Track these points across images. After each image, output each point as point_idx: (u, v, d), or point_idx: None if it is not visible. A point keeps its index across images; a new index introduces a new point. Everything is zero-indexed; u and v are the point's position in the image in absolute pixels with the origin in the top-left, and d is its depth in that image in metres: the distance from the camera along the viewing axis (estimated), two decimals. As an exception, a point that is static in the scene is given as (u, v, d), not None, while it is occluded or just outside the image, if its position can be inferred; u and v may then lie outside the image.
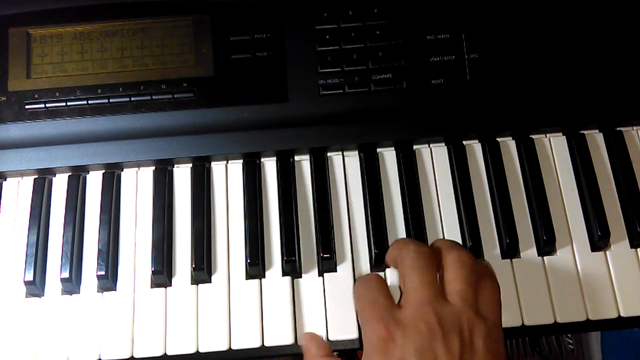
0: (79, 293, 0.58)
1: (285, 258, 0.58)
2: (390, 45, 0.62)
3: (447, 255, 0.51)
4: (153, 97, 0.61)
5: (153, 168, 0.62)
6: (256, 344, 0.56)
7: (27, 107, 0.61)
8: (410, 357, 0.45)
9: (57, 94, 0.61)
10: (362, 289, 0.53)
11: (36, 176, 0.62)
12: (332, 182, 0.61)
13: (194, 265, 0.58)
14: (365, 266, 0.58)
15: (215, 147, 0.61)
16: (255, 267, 0.58)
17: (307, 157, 0.62)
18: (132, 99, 0.61)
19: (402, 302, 0.49)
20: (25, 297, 0.58)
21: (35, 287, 0.58)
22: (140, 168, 0.62)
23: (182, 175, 0.62)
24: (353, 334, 0.56)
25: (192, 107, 0.61)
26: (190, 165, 0.62)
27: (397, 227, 0.60)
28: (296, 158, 0.63)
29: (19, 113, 0.61)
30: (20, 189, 0.62)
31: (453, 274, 0.49)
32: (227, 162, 0.62)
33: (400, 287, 0.51)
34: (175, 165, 0.62)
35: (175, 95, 0.61)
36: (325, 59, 0.62)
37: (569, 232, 0.59)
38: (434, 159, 0.62)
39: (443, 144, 0.63)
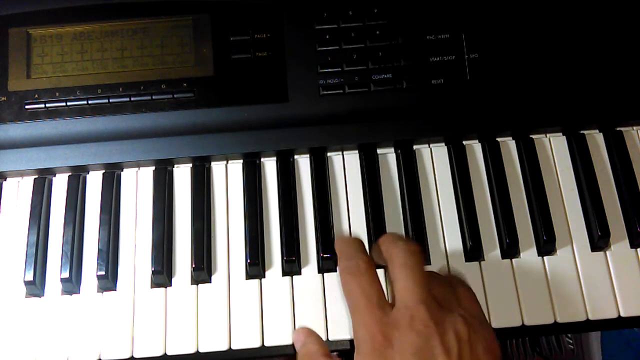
0: (79, 293, 0.58)
1: (285, 258, 0.58)
2: (390, 45, 0.62)
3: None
4: (153, 97, 0.61)
5: (153, 168, 0.62)
6: (256, 344, 0.56)
7: (27, 107, 0.61)
8: (409, 358, 0.45)
9: (57, 94, 0.61)
10: (351, 279, 0.51)
11: (36, 176, 0.62)
12: (332, 182, 0.61)
13: (194, 265, 0.58)
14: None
15: (215, 147, 0.61)
16: (255, 267, 0.58)
17: (307, 157, 0.62)
18: (132, 99, 0.61)
19: (395, 301, 0.49)
20: (25, 297, 0.58)
21: (35, 287, 0.58)
22: (140, 168, 0.62)
23: (182, 175, 0.62)
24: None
25: (192, 107, 0.61)
26: (190, 165, 0.62)
27: (397, 227, 0.60)
28: (296, 158, 0.63)
29: (19, 113, 0.61)
30: (20, 189, 0.62)
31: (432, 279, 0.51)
32: (227, 162, 0.62)
33: (387, 280, 0.51)
34: (175, 165, 0.62)
35: (175, 95, 0.61)
36: (325, 59, 0.62)
37: (569, 232, 0.59)
38: (434, 159, 0.62)
39: (443, 144, 0.63)
